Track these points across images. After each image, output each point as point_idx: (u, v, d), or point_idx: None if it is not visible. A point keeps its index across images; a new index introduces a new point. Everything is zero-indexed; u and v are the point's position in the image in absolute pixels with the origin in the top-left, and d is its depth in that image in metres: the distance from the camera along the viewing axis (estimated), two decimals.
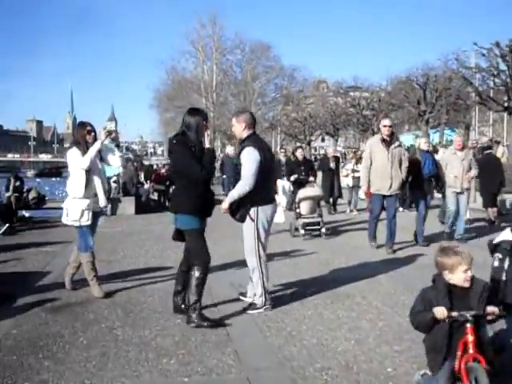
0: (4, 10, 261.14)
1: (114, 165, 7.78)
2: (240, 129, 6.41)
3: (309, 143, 60.76)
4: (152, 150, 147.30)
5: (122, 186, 18.33)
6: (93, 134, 7.17)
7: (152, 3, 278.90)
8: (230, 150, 18.50)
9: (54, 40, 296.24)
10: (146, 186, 20.83)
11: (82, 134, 7.15)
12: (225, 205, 6.23)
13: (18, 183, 17.43)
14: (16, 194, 17.09)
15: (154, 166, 30.84)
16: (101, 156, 7.26)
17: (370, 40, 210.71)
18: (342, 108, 56.81)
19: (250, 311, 6.37)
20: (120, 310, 6.50)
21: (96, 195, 7.14)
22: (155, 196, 21.25)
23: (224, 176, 18.67)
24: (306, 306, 6.64)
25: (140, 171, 20.42)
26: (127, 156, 21.38)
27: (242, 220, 6.31)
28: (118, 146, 7.00)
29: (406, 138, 53.09)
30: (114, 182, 19.24)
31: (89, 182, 7.02)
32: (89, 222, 7.07)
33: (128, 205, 18.01)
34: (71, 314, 6.34)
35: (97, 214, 7.34)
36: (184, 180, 6.00)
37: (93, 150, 7.00)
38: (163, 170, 20.92)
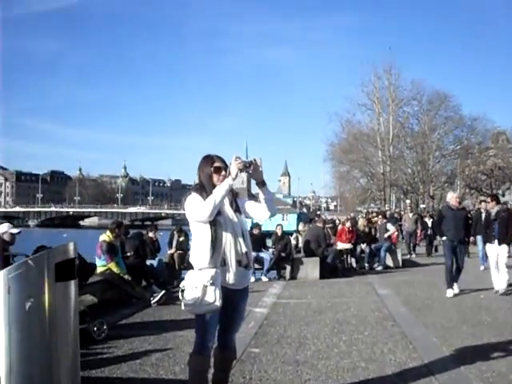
0: (185, 71, 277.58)
1: (260, 217, 4.46)
2: None
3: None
4: (325, 205, 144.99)
5: (304, 244, 15.20)
6: (223, 173, 4.24)
7: (323, 56, 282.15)
8: (452, 197, 12.07)
9: (230, 96, 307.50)
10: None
11: (207, 173, 4.30)
12: None
13: (182, 238, 14.79)
14: (180, 252, 14.50)
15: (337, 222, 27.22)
16: (236, 205, 4.40)
17: None
18: None
19: None
20: None
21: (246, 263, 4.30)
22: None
23: (444, 238, 11.53)
24: None
25: (327, 229, 17.17)
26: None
27: None
28: (262, 183, 4.29)
29: None
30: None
31: (217, 243, 4.16)
32: (216, 306, 4.02)
33: (311, 267, 14.80)
34: None
35: (236, 294, 4.28)
36: None
37: (219, 191, 4.14)
38: (348, 224, 17.49)
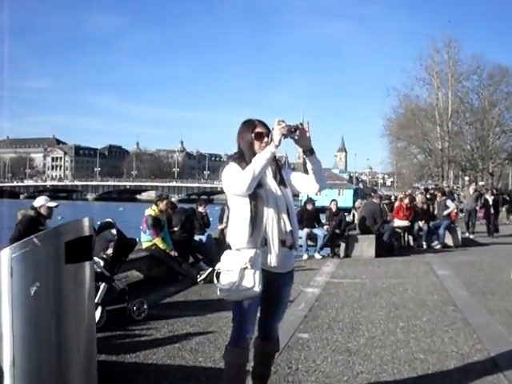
0: (241, 48, 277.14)
1: (308, 190, 3.87)
2: None
3: None
4: (381, 181, 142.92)
5: (359, 221, 14.55)
6: (266, 140, 3.60)
7: (381, 30, 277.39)
8: None
9: (287, 72, 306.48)
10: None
11: (248, 140, 3.70)
12: None
13: None
14: None
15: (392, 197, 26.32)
16: (281, 176, 3.80)
17: None
18: None
19: None
20: None
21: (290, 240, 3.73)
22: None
23: None
24: None
25: (384, 205, 16.49)
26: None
27: None
28: (310, 151, 3.62)
29: None
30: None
31: (257, 220, 3.60)
32: (255, 291, 3.48)
33: (367, 245, 14.19)
34: None
35: (279, 278, 3.73)
36: None
37: (260, 160, 3.51)
38: (406, 201, 16.75)
